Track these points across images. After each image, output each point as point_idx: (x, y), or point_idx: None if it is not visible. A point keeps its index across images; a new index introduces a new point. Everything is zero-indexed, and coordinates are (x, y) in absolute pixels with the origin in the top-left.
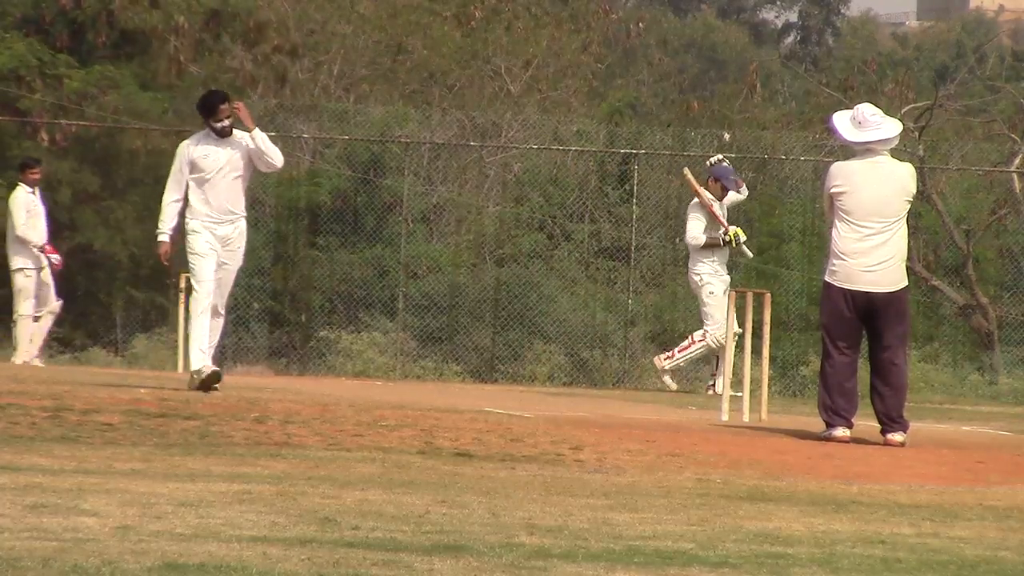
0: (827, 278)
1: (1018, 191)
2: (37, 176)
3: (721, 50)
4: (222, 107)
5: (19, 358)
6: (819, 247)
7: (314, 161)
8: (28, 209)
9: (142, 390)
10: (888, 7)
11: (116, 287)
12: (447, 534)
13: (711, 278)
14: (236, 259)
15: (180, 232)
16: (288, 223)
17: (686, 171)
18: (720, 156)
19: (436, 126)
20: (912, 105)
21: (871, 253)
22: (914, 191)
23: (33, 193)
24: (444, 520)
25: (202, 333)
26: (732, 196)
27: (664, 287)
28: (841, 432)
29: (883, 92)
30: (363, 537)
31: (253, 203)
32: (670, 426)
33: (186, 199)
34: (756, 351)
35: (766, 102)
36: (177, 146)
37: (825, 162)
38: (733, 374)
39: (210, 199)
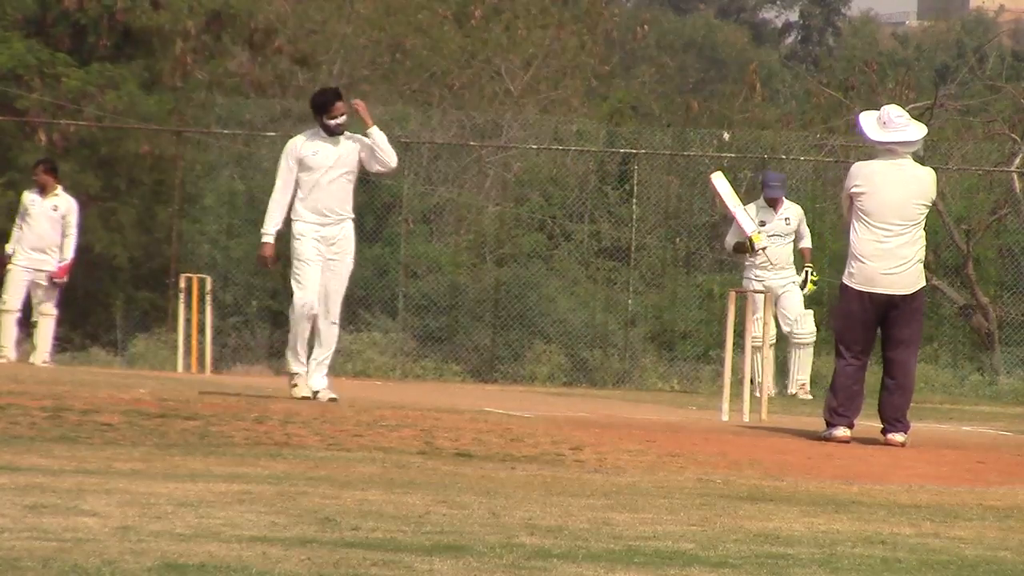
0: (845, 280)
1: (1018, 191)
2: (36, 177)
3: (721, 50)
4: (337, 104)
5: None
6: (819, 247)
7: None
8: (25, 208)
9: (142, 390)
10: (888, 7)
11: (116, 287)
12: (447, 534)
13: (748, 283)
14: (345, 263)
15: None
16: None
17: (714, 177)
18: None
19: (436, 126)
20: (912, 105)
21: (890, 255)
22: (934, 196)
23: (37, 194)
24: (444, 520)
25: (301, 343)
26: (790, 210)
27: (664, 287)
28: (841, 432)
29: (884, 92)
30: (363, 537)
31: (251, 201)
32: (670, 426)
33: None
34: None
35: (766, 102)
36: (175, 148)
37: (825, 162)
38: (733, 373)
39: (318, 199)
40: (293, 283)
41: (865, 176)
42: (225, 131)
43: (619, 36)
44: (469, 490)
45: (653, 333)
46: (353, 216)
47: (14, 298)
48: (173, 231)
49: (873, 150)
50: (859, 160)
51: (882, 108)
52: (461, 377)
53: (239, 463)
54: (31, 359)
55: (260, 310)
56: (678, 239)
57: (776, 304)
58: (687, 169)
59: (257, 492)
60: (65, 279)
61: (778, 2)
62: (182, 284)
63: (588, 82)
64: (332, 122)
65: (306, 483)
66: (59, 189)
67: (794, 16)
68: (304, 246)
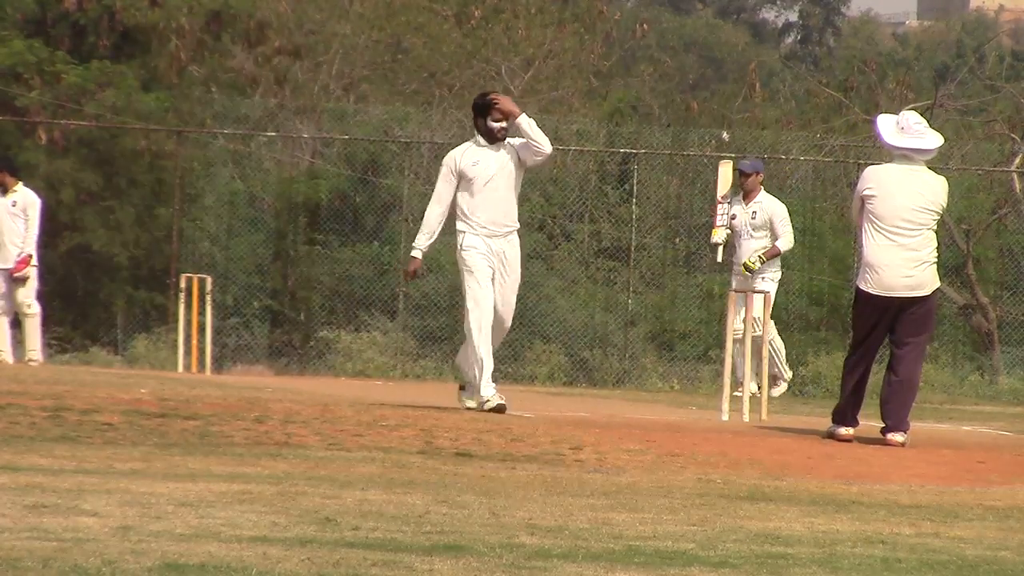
0: (859, 284)
1: (1018, 191)
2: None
3: (721, 50)
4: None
5: None
6: (819, 247)
7: (314, 161)
8: None
9: (142, 390)
10: (888, 7)
11: (116, 287)
12: (447, 534)
13: (730, 276)
14: (514, 274)
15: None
16: (287, 222)
17: (721, 164)
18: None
19: (436, 126)
20: (912, 105)
21: (902, 259)
22: (944, 205)
23: (3, 194)
24: (444, 520)
25: (487, 357)
26: (760, 204)
27: (664, 287)
28: (844, 431)
29: (883, 92)
30: (363, 537)
31: (251, 201)
32: (670, 426)
33: (451, 213)
34: (756, 351)
35: (766, 102)
36: (175, 147)
37: (825, 162)
38: (732, 373)
39: (483, 210)
40: (467, 299)
41: (877, 180)
42: (225, 131)
43: (619, 36)
44: (469, 490)
45: (653, 333)
46: (519, 226)
47: (1, 301)
48: (173, 230)
49: (888, 154)
50: (859, 160)
51: (900, 113)
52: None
53: (239, 463)
54: (26, 358)
55: (260, 310)
56: (678, 239)
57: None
58: (687, 169)
59: (257, 492)
60: (26, 273)
61: (778, 2)
62: (182, 284)
63: (588, 82)
64: (496, 124)
65: (306, 483)
66: (19, 185)
67: (794, 16)
68: (474, 258)
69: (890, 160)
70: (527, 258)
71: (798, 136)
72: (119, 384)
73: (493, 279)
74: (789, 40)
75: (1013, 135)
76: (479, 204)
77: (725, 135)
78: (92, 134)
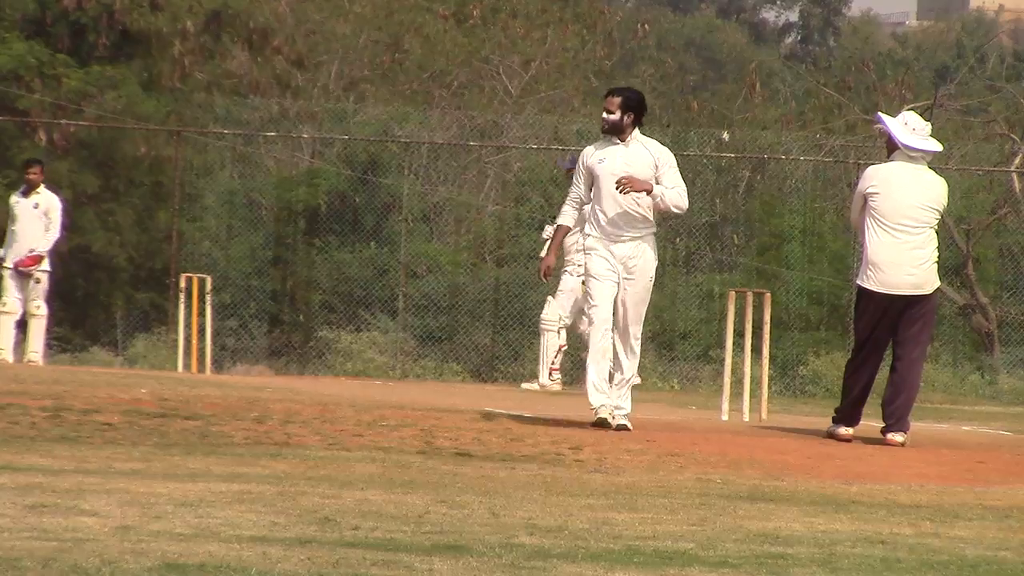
0: (861, 283)
1: (1018, 191)
2: (28, 176)
3: (721, 50)
4: (609, 98)
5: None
6: (819, 247)
7: (313, 161)
8: (11, 210)
9: (142, 390)
10: (888, 7)
11: (116, 288)
12: (447, 534)
13: None
14: (640, 280)
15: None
16: (287, 223)
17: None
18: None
19: (436, 126)
20: (912, 105)
21: (905, 257)
22: (945, 203)
23: (21, 194)
24: (444, 520)
25: (600, 370)
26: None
27: (664, 287)
28: (844, 430)
29: (882, 92)
30: (363, 537)
31: (250, 203)
32: (670, 426)
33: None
34: (756, 351)
35: (766, 102)
36: (174, 147)
37: (824, 162)
38: (733, 373)
39: (605, 211)
40: (585, 304)
41: (881, 178)
42: (225, 131)
43: (619, 36)
44: (469, 490)
45: (653, 333)
46: (651, 231)
47: (12, 300)
48: (173, 231)
49: (887, 152)
50: (859, 160)
51: (904, 115)
52: (461, 377)
53: (239, 463)
54: (26, 358)
55: (259, 311)
56: (678, 239)
57: None
58: (686, 169)
59: (257, 492)
60: (32, 271)
61: (778, 2)
62: (182, 284)
63: (588, 82)
64: (603, 115)
65: (306, 483)
66: (42, 187)
67: (794, 16)
68: (594, 262)
69: (889, 160)
70: (526, 258)
71: (798, 136)
72: (119, 384)
73: (618, 284)
74: (789, 40)
75: (1013, 135)
76: (603, 206)
77: (725, 135)
78: (91, 135)
